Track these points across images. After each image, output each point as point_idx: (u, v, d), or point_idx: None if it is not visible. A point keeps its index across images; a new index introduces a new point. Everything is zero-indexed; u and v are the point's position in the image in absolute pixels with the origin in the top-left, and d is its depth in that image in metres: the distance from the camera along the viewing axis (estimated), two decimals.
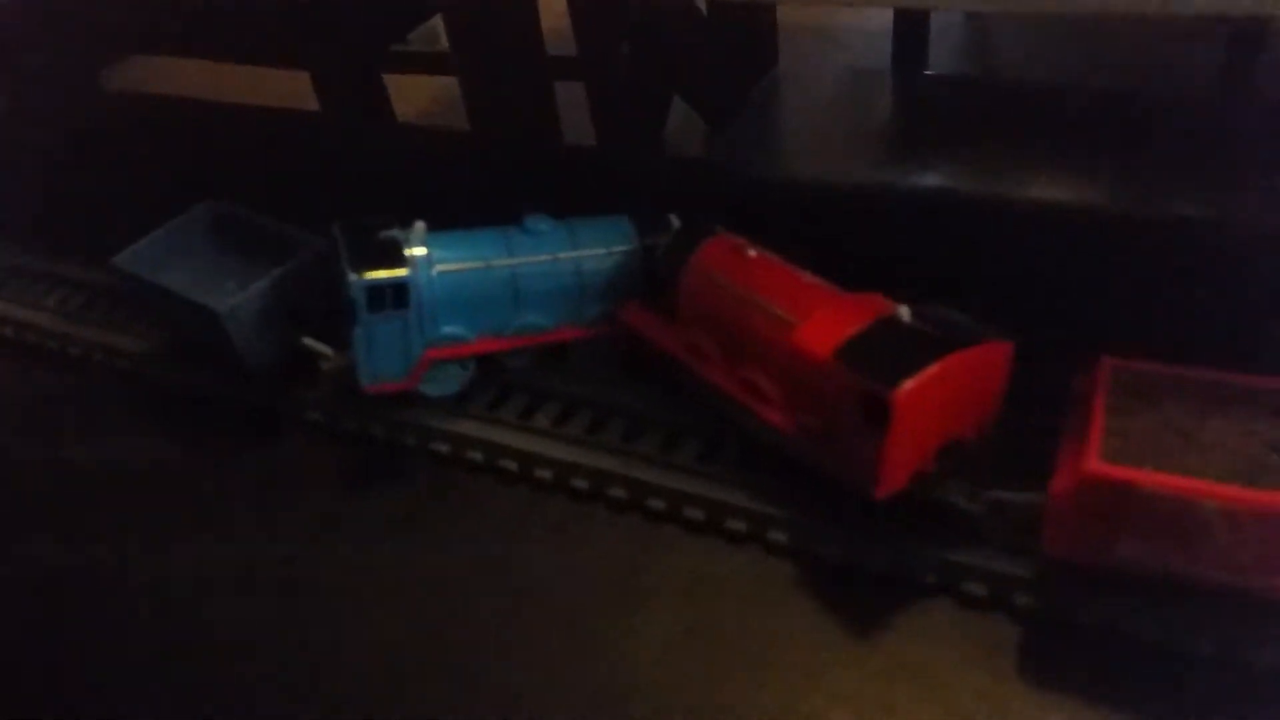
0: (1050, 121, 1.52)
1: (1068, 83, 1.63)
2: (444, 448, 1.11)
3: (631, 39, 1.44)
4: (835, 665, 0.86)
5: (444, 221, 1.14)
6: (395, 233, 1.07)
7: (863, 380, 0.83)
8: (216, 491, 1.14)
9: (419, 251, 1.06)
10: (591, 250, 1.12)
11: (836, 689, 0.84)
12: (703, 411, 1.05)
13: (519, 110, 1.52)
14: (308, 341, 1.12)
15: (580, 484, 1.04)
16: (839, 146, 1.58)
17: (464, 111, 1.53)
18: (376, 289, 1.02)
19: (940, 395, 0.83)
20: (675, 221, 1.14)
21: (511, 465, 1.07)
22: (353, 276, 1.02)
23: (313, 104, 1.65)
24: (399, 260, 1.04)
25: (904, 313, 0.88)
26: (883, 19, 1.74)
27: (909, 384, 0.81)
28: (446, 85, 1.65)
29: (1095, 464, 0.75)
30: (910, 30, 1.70)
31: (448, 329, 1.09)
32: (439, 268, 1.07)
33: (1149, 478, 0.74)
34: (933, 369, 0.82)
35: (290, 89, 1.69)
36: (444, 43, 1.60)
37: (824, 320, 0.90)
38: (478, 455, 1.09)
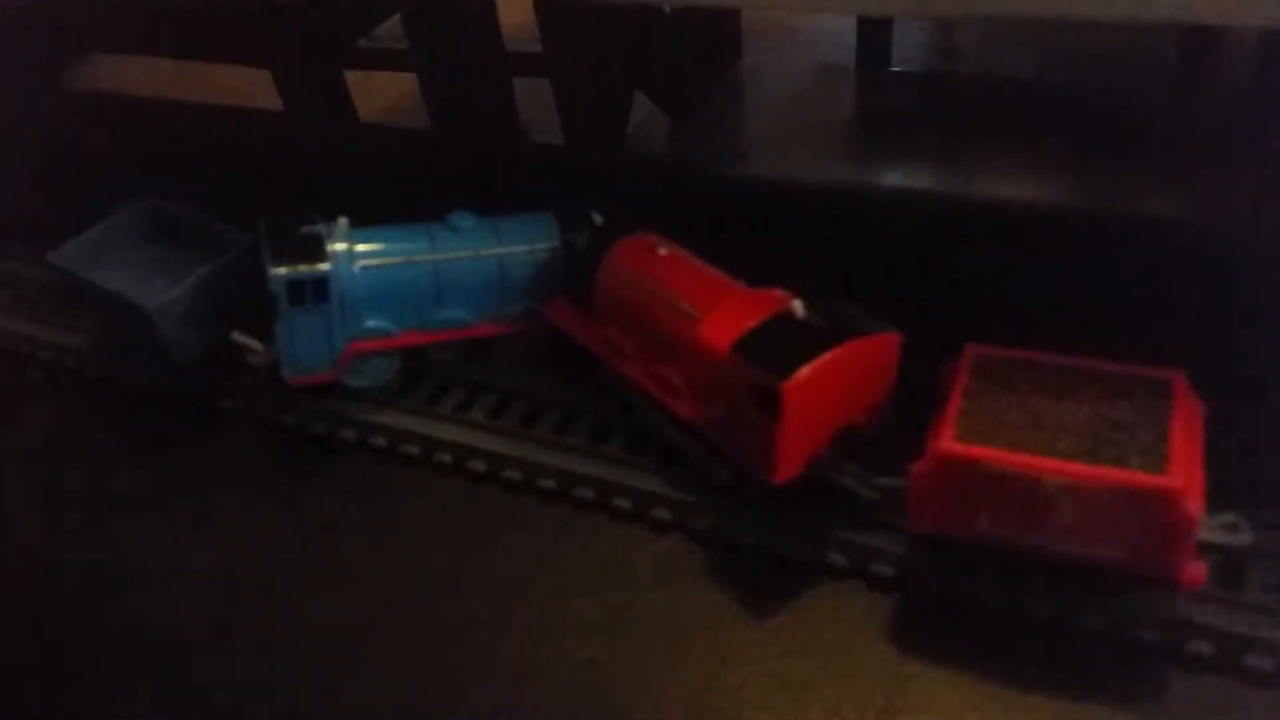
0: (1014, 117, 1.55)
1: (1031, 78, 1.65)
2: (381, 441, 1.13)
3: (593, 34, 1.44)
4: (748, 645, 0.90)
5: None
6: (318, 228, 1.11)
7: (756, 372, 0.89)
8: (151, 483, 1.16)
9: (340, 247, 1.10)
10: (514, 247, 1.17)
11: (749, 668, 0.88)
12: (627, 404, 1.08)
13: (477, 107, 1.53)
14: (237, 336, 1.15)
15: (513, 475, 1.07)
16: (802, 144, 1.59)
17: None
18: (296, 283, 1.06)
19: (830, 385, 0.89)
20: (598, 219, 1.19)
21: (447, 458, 1.10)
22: (273, 271, 1.05)
23: (276, 103, 1.66)
24: (320, 255, 1.07)
25: (798, 307, 0.93)
26: (847, 15, 1.75)
27: (798, 375, 0.86)
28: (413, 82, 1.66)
29: (947, 444, 0.82)
30: (874, 27, 1.71)
31: (370, 322, 1.13)
32: (361, 263, 1.11)
33: (997, 456, 0.81)
34: (821, 360, 0.88)
35: (254, 89, 1.70)
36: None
37: (725, 315, 0.95)
38: (414, 449, 1.12)
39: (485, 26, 1.48)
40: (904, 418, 0.93)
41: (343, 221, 1.12)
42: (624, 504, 1.03)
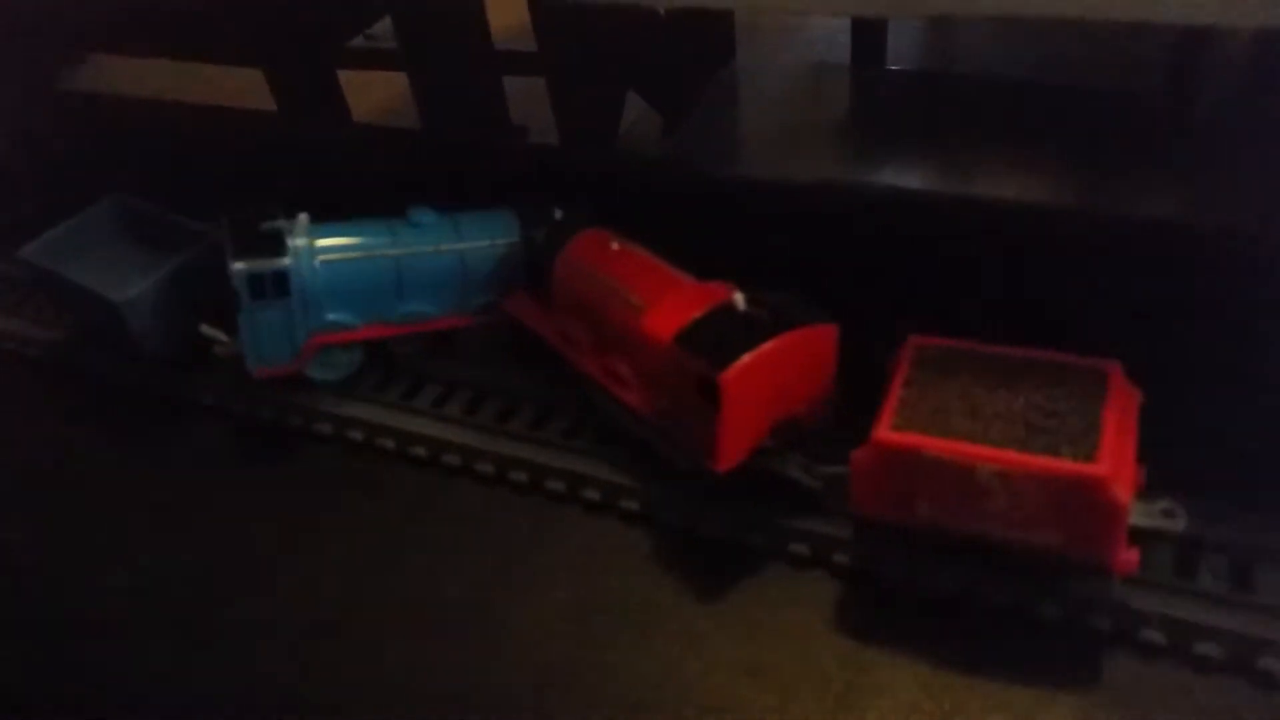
0: (1009, 117, 1.54)
1: (1027, 78, 1.64)
2: (358, 434, 1.14)
3: (587, 33, 1.45)
4: (713, 632, 0.91)
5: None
6: (279, 223, 1.12)
7: (696, 362, 0.90)
8: (125, 473, 1.18)
9: (301, 242, 1.12)
10: (475, 242, 1.18)
11: (713, 654, 0.89)
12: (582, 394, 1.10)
13: (467, 107, 1.54)
14: (205, 329, 1.17)
15: (486, 469, 1.08)
16: (796, 143, 1.59)
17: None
18: (257, 277, 1.08)
19: (769, 374, 0.90)
20: (558, 214, 1.20)
21: (421, 451, 1.11)
22: (234, 265, 1.07)
23: (269, 104, 1.67)
24: (280, 250, 1.09)
25: (739, 299, 0.95)
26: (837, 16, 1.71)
27: (737, 365, 0.88)
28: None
29: (885, 432, 0.83)
30: (869, 26, 1.69)
31: (332, 316, 1.14)
32: (321, 257, 1.13)
33: (932, 444, 0.82)
34: (759, 351, 0.89)
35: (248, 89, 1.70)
36: None
37: (668, 307, 0.97)
38: (389, 442, 1.13)
39: (474, 26, 1.49)
40: (867, 407, 0.93)
41: (303, 217, 1.14)
42: (594, 496, 1.03)
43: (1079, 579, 0.86)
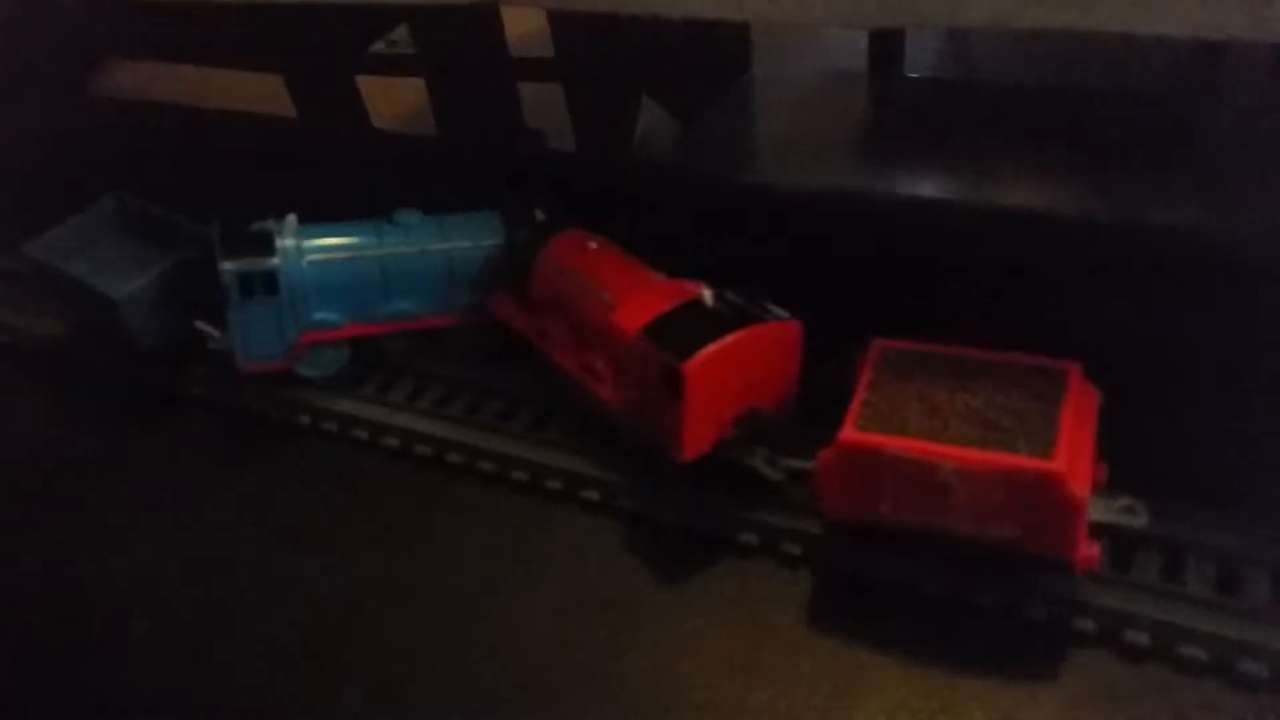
0: (1029, 125, 1.53)
1: (1046, 84, 1.62)
2: (363, 433, 1.16)
3: (604, 39, 1.45)
4: (706, 631, 0.92)
5: None
6: (269, 224, 1.16)
7: (661, 354, 0.93)
8: (119, 465, 1.21)
9: (289, 242, 1.15)
10: (459, 242, 1.21)
11: (705, 652, 0.90)
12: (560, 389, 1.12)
13: (482, 113, 1.55)
14: (199, 325, 1.20)
15: (487, 467, 1.09)
16: (812, 150, 1.58)
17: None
18: (246, 276, 1.11)
19: (731, 367, 0.92)
20: (540, 216, 1.23)
21: (426, 450, 1.13)
22: (224, 264, 1.11)
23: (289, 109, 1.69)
24: (269, 250, 1.13)
25: (706, 295, 0.97)
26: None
27: (699, 357, 0.90)
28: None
29: (849, 432, 0.85)
30: (887, 33, 1.66)
31: (320, 314, 1.17)
32: (309, 257, 1.16)
33: (894, 443, 0.83)
34: (721, 344, 0.91)
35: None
36: None
37: (638, 302, 0.99)
38: (394, 441, 1.14)
39: (489, 32, 1.51)
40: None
41: (291, 218, 1.17)
42: (592, 495, 1.04)
43: (1065, 582, 0.86)
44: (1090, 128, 1.48)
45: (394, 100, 1.78)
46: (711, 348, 0.91)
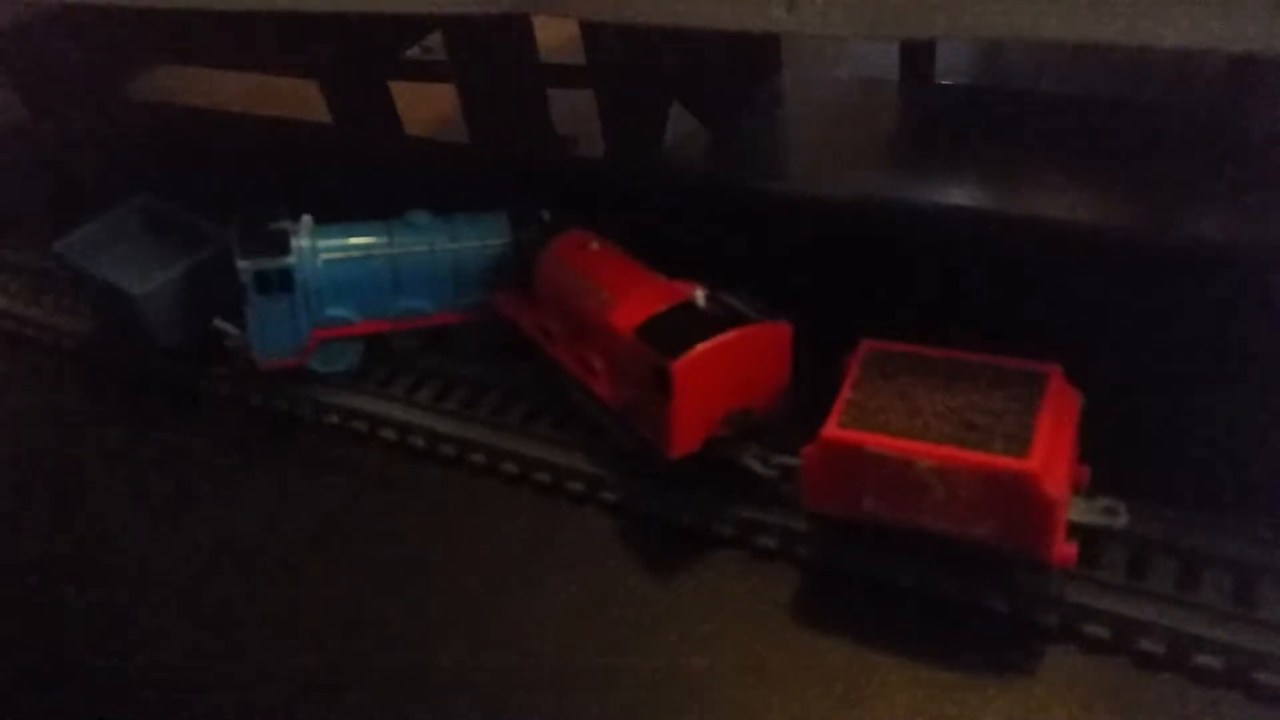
0: (1061, 133, 1.50)
1: (1078, 93, 1.60)
2: (390, 434, 1.19)
3: (634, 46, 1.47)
4: (719, 633, 0.93)
5: None
6: (285, 224, 1.20)
7: (652, 353, 0.96)
8: (138, 458, 1.26)
9: (304, 241, 1.20)
10: (467, 242, 1.25)
11: (718, 654, 0.92)
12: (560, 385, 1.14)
13: (513, 120, 1.58)
14: (218, 322, 1.25)
15: (510, 468, 1.12)
16: (842, 158, 1.58)
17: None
18: (263, 274, 1.16)
19: (720, 367, 0.95)
20: (546, 216, 1.26)
21: (451, 451, 1.16)
22: (242, 263, 1.16)
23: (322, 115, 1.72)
24: (285, 249, 1.17)
25: (699, 297, 1.00)
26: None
27: (688, 356, 0.93)
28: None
29: (831, 430, 0.87)
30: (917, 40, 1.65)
31: (333, 311, 1.22)
32: (323, 256, 1.20)
33: (874, 440, 0.86)
34: (710, 344, 0.94)
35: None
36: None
37: (633, 302, 1.02)
38: (419, 441, 1.17)
39: (521, 39, 1.54)
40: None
41: (307, 219, 1.22)
42: (611, 498, 1.06)
43: (1077, 588, 0.88)
44: (1119, 136, 1.47)
45: (427, 106, 1.81)
46: (701, 348, 0.93)
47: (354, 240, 1.23)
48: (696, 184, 1.52)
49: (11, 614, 1.08)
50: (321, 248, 1.21)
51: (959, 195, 1.49)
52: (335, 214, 1.24)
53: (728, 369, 0.95)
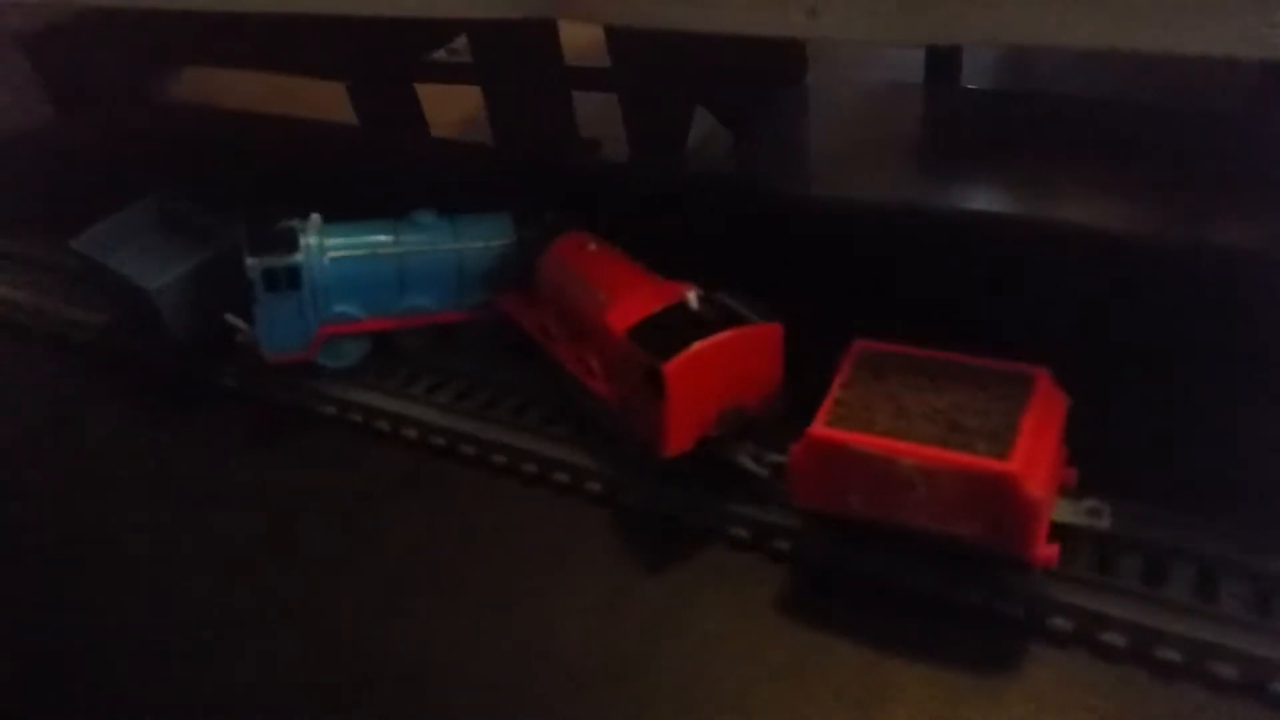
0: (1088, 138, 1.50)
1: (1106, 97, 1.59)
2: (412, 433, 1.21)
3: (659, 49, 1.45)
4: (738, 635, 0.94)
5: None
6: (293, 222, 1.23)
7: (644, 354, 0.98)
8: (151, 449, 1.29)
9: (312, 239, 1.23)
10: (471, 242, 1.28)
11: (737, 656, 0.92)
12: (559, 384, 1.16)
13: (538, 121, 1.60)
14: (229, 318, 1.28)
15: (530, 469, 1.13)
16: (866, 162, 1.58)
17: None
18: (271, 271, 1.19)
19: (713, 367, 0.97)
20: (549, 217, 1.29)
21: (470, 450, 1.17)
22: (250, 260, 1.19)
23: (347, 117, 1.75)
24: (293, 246, 1.20)
25: (692, 298, 1.02)
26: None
27: (680, 357, 0.95)
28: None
29: (818, 428, 0.89)
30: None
31: (339, 308, 1.25)
32: (330, 254, 1.23)
33: (859, 439, 0.87)
34: (701, 345, 0.96)
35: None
36: None
37: (628, 303, 1.04)
38: (440, 440, 1.18)
39: (546, 42, 1.55)
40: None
41: (315, 217, 1.25)
42: (630, 500, 1.06)
43: (1090, 595, 0.88)
44: (1149, 142, 1.46)
45: (453, 108, 1.82)
46: (692, 349, 0.95)
47: (361, 239, 1.26)
48: (721, 186, 1.52)
49: (11, 613, 1.10)
50: (329, 246, 1.23)
51: (981, 200, 1.48)
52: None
53: (720, 369, 0.97)
